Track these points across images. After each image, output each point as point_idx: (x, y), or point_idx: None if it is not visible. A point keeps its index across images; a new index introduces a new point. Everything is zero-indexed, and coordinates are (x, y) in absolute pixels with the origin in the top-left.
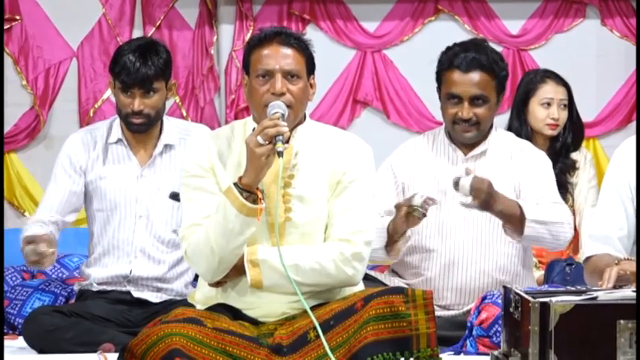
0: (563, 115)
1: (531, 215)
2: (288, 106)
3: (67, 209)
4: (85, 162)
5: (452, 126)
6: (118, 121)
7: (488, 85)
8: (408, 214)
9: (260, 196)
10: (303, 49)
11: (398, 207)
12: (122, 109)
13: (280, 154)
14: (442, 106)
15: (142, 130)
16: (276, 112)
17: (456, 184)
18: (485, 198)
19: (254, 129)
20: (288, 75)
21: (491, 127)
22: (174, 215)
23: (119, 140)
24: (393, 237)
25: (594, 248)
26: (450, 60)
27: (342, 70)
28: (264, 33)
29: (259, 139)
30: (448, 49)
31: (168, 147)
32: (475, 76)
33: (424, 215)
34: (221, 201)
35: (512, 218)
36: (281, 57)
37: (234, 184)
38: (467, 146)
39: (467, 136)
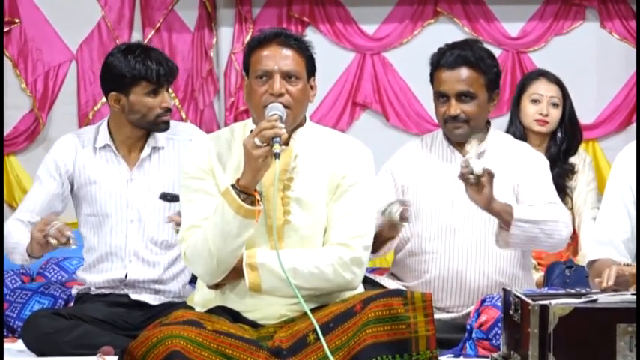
0: (554, 113)
1: (519, 215)
2: (287, 107)
3: (48, 211)
4: (72, 166)
5: (444, 125)
6: (104, 125)
7: (475, 82)
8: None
9: (258, 197)
10: (303, 51)
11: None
12: (151, 110)
13: (277, 155)
14: (434, 106)
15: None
16: (274, 114)
17: (467, 165)
18: (489, 182)
19: (252, 131)
20: (287, 76)
21: (489, 128)
22: (166, 216)
23: (107, 145)
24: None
25: (598, 252)
26: (438, 59)
27: (342, 73)
28: (264, 34)
29: (256, 140)
30: (438, 49)
31: (156, 149)
32: (461, 72)
33: (401, 223)
34: (219, 203)
35: (506, 220)
36: (280, 58)
37: (232, 185)
38: (465, 147)
39: (457, 132)
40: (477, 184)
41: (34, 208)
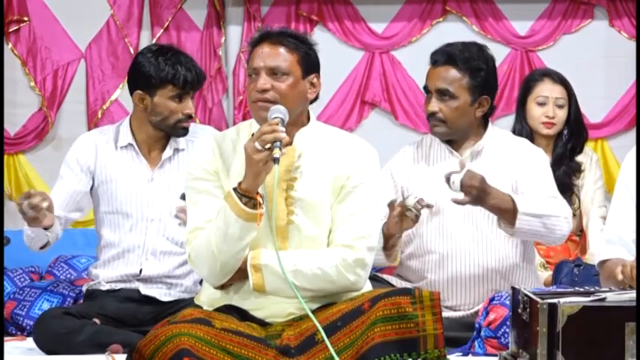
0: (560, 114)
1: (523, 208)
2: (274, 103)
3: (72, 207)
4: (94, 163)
5: (428, 122)
6: (126, 124)
7: (457, 82)
8: (402, 215)
9: (260, 201)
10: (296, 47)
11: (391, 206)
12: (173, 114)
13: (276, 160)
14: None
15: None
16: (276, 117)
17: (448, 180)
18: (476, 194)
19: (253, 134)
20: (273, 72)
21: (486, 126)
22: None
23: (129, 145)
24: (388, 240)
25: (609, 252)
26: (431, 56)
27: (350, 71)
28: (258, 34)
29: (257, 144)
30: (439, 47)
31: (177, 150)
32: (443, 69)
33: (417, 217)
34: (222, 205)
35: (505, 212)
36: (266, 55)
37: (234, 189)
38: (462, 146)
39: (435, 130)
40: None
41: (55, 203)
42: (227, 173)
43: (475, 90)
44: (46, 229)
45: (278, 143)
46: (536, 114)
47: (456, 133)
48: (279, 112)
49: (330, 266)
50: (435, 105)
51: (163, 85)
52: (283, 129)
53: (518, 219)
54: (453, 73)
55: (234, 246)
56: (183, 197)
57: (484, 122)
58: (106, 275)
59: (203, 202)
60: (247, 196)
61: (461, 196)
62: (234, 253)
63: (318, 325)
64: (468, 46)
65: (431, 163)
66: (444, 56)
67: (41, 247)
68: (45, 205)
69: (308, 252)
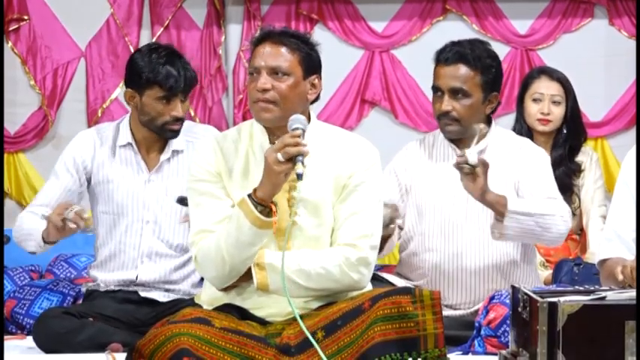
0: (557, 112)
1: (513, 207)
2: (273, 103)
3: None
4: (91, 162)
5: (438, 121)
6: (125, 123)
7: (470, 80)
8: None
9: (274, 209)
10: (298, 47)
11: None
12: (161, 116)
13: (300, 176)
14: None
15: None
16: (297, 128)
17: (462, 154)
18: (484, 177)
19: (271, 145)
20: (274, 72)
21: (489, 124)
22: (180, 217)
23: (128, 144)
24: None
25: (609, 251)
26: (438, 55)
27: (350, 70)
28: (260, 33)
29: (279, 156)
30: (443, 45)
31: (175, 152)
32: (456, 68)
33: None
34: (235, 212)
35: (500, 211)
36: (268, 55)
37: (249, 195)
38: (466, 145)
39: (448, 129)
40: (472, 173)
41: (48, 202)
42: (229, 174)
43: (487, 87)
44: (53, 242)
45: (301, 157)
46: (532, 111)
47: (468, 131)
48: (299, 122)
49: (333, 265)
50: (448, 104)
51: (151, 85)
52: (306, 142)
53: (507, 217)
54: (466, 71)
55: (245, 252)
56: (179, 201)
57: (487, 120)
58: (103, 279)
59: (206, 205)
60: (262, 204)
61: (473, 160)
62: (244, 259)
63: (306, 330)
64: (475, 43)
65: (434, 162)
66: (455, 54)
67: (30, 252)
68: (85, 216)
69: (311, 252)
